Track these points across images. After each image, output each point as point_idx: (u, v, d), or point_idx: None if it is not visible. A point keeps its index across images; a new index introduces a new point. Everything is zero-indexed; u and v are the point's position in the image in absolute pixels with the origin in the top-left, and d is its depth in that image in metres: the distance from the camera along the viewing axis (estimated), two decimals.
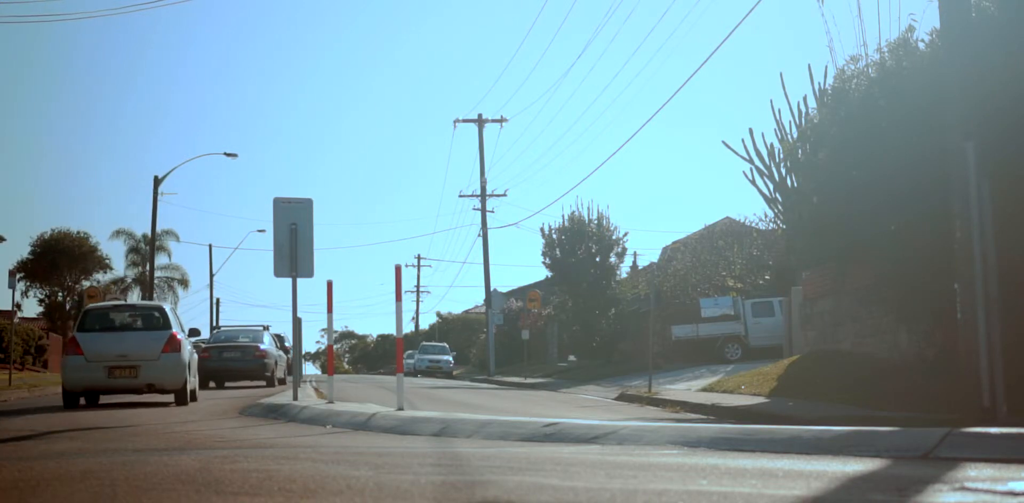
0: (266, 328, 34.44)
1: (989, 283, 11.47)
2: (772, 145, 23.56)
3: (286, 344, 36.41)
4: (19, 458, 8.05)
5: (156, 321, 19.75)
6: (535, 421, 10.51)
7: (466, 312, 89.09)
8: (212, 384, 31.89)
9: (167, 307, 20.59)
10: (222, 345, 32.53)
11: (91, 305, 22.10)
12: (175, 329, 19.55)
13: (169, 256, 70.20)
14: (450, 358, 61.39)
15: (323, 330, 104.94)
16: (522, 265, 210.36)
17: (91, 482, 5.96)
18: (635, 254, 60.91)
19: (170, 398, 20.15)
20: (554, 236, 44.84)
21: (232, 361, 31.74)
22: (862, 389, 16.26)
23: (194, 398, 20.35)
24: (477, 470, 6.53)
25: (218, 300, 77.87)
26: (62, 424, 13.28)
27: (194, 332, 22.33)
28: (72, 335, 20.01)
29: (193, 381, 20.42)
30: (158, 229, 55.16)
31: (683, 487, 5.47)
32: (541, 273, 52.45)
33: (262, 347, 32.21)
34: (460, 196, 55.85)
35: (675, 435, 8.67)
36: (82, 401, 19.65)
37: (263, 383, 31.84)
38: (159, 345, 19.12)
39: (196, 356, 22.27)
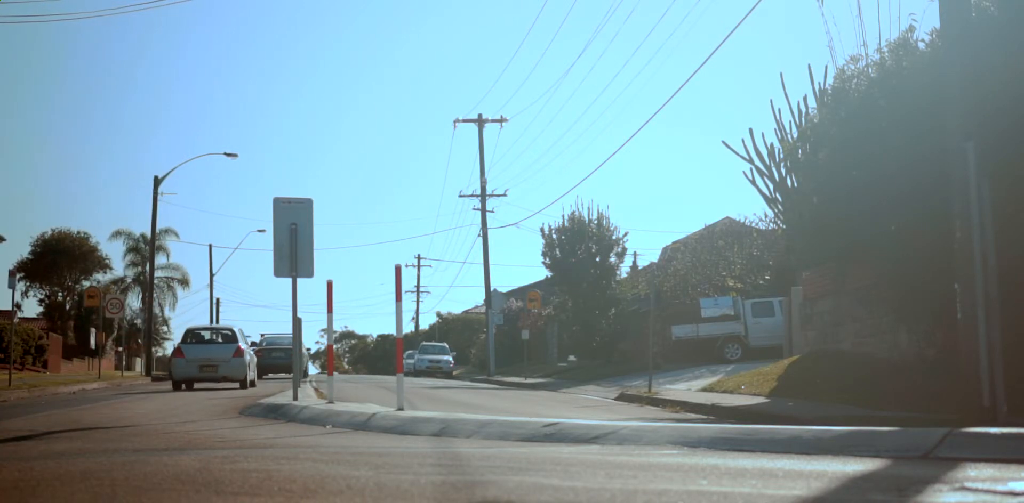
0: None
1: (989, 283, 11.47)
2: (772, 145, 23.57)
3: None
4: (19, 458, 8.05)
5: (229, 337, 31.53)
6: (535, 421, 10.50)
7: (466, 312, 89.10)
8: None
9: (236, 328, 32.20)
10: (271, 348, 45.34)
11: (190, 327, 33.22)
12: (240, 342, 31.09)
13: (167, 256, 70.20)
14: (450, 358, 61.39)
15: (323, 330, 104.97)
16: (522, 265, 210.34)
17: (91, 482, 5.96)
18: (635, 254, 61.07)
19: (236, 385, 31.11)
20: (554, 236, 44.83)
21: (278, 359, 44.91)
22: (862, 389, 16.26)
23: (253, 385, 30.94)
24: (477, 470, 6.53)
25: (218, 300, 77.90)
26: (62, 424, 13.28)
27: (254, 344, 36.82)
28: (178, 346, 31.51)
29: (252, 374, 31.25)
30: (158, 229, 55.15)
31: (683, 487, 5.47)
32: (541, 273, 52.54)
33: None
34: (460, 196, 55.91)
35: (675, 435, 8.66)
36: (183, 387, 30.24)
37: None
38: (230, 353, 30.43)
39: (255, 359, 33.60)
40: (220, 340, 31.45)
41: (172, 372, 30.50)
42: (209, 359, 30.10)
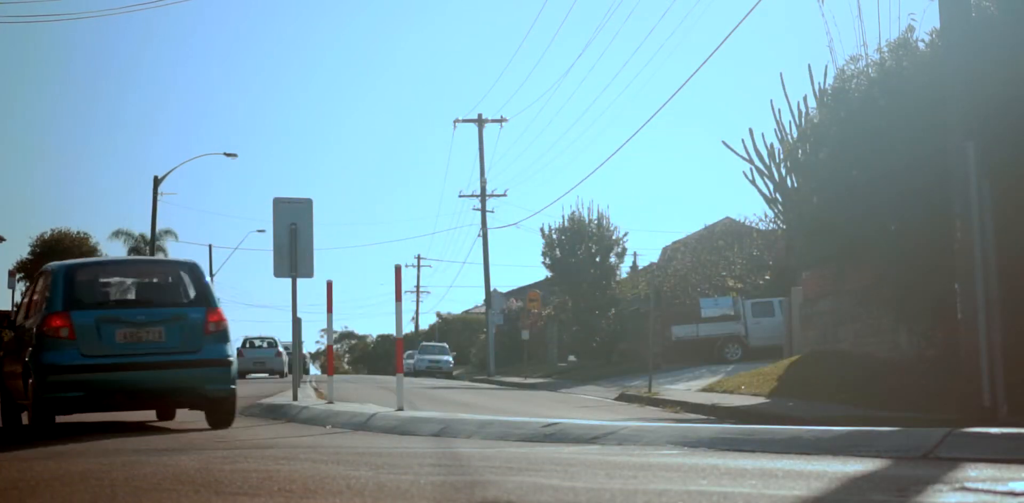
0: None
1: (989, 283, 11.47)
2: (772, 145, 23.57)
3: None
4: (19, 458, 8.05)
5: (272, 344, 49.60)
6: (535, 421, 10.50)
7: (466, 312, 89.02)
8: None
9: (278, 339, 50.34)
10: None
11: (247, 336, 51.80)
12: (280, 347, 48.68)
13: (165, 256, 70.09)
14: (450, 358, 61.29)
15: (323, 330, 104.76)
16: (522, 265, 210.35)
17: (91, 482, 5.97)
18: (635, 254, 60.90)
19: (272, 376, 45.70)
20: (554, 236, 44.80)
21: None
22: (862, 389, 16.26)
23: (284, 376, 44.79)
24: (477, 470, 6.53)
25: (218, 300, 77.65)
26: (61, 424, 13.27)
27: (286, 346, 46.56)
28: (239, 348, 45.27)
29: (286, 369, 45.19)
30: (158, 229, 55.15)
31: (683, 487, 5.47)
32: (541, 273, 52.50)
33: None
34: (460, 196, 55.86)
35: (675, 435, 8.66)
36: (244, 376, 42.49)
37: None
38: (274, 353, 48.72)
39: (287, 358, 46.65)
40: (266, 346, 49.60)
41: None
42: (260, 358, 48.39)
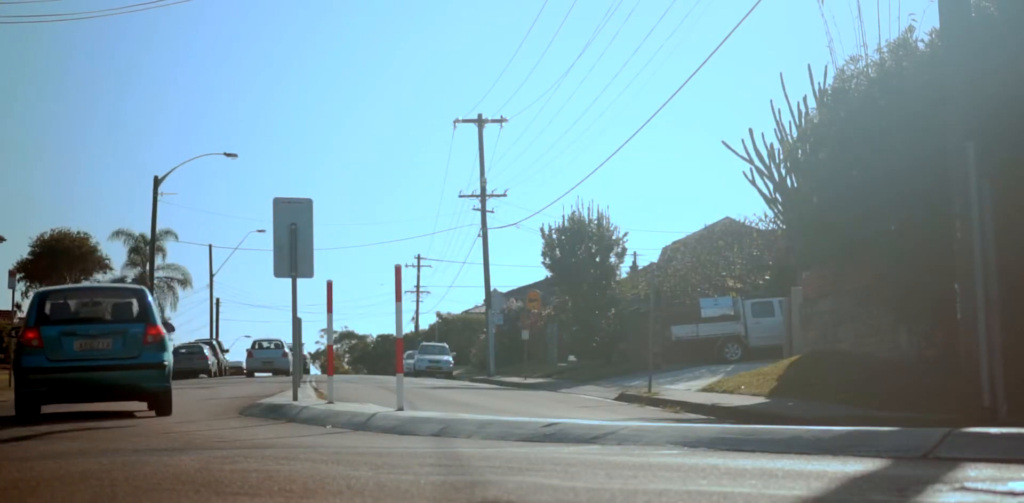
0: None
1: (989, 283, 11.47)
2: (772, 145, 23.55)
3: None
4: (19, 458, 8.06)
5: (279, 346, 55.21)
6: (535, 421, 10.50)
7: (466, 312, 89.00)
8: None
9: (283, 340, 54.92)
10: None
11: (256, 339, 59.78)
12: (285, 349, 52.59)
13: (164, 256, 70.04)
14: (450, 358, 61.26)
15: (323, 330, 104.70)
16: (522, 265, 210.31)
17: (91, 482, 5.97)
18: (635, 254, 60.86)
19: (278, 375, 50.30)
20: (554, 236, 44.80)
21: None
22: (862, 389, 16.25)
23: (288, 375, 43.42)
24: (477, 470, 6.53)
25: (218, 300, 77.77)
26: (62, 424, 13.28)
27: (290, 347, 48.09)
28: (249, 350, 56.90)
29: (292, 368, 49.56)
30: (158, 229, 55.16)
31: (683, 487, 5.47)
32: (541, 273, 52.52)
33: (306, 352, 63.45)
34: (460, 196, 55.86)
35: (675, 435, 8.66)
36: (254, 374, 52.92)
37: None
38: (280, 354, 53.62)
39: (290, 359, 49.28)
40: (274, 347, 55.80)
41: (246, 365, 55.92)
42: (269, 358, 54.66)
